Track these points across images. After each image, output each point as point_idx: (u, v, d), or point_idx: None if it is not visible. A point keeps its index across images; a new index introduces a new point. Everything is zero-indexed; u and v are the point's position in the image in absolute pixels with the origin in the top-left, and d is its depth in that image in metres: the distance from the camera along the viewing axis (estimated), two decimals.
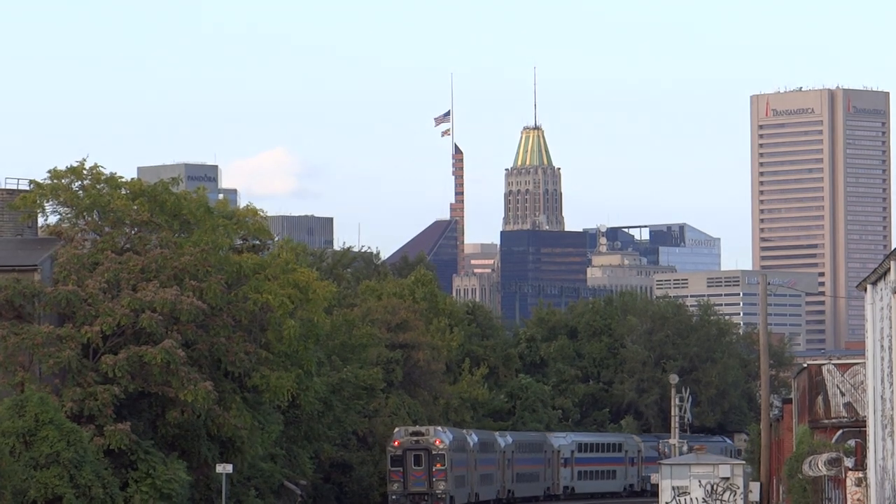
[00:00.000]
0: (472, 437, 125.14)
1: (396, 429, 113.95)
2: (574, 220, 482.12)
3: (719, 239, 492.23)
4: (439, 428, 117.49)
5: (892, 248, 48.89)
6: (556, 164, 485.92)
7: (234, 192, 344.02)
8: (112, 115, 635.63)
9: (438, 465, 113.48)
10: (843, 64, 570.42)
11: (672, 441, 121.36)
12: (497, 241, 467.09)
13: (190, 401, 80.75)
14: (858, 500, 61.03)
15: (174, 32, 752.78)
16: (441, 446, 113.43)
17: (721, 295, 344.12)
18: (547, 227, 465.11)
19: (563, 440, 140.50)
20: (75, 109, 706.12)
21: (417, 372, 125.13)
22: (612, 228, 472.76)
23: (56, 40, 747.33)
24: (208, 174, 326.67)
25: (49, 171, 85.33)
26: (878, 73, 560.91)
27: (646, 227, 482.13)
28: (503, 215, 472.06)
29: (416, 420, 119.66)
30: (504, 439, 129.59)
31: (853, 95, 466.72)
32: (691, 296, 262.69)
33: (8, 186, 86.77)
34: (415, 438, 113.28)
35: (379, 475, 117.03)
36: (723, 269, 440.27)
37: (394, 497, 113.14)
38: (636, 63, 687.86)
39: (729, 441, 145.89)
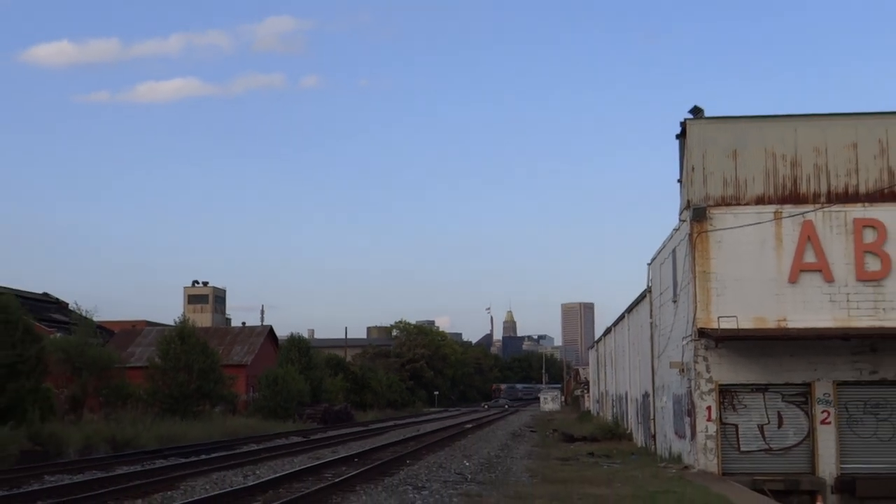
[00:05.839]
0: (519, 386, 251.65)
1: (493, 385, 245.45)
2: None
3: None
4: (503, 384, 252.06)
5: (596, 339, 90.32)
6: None
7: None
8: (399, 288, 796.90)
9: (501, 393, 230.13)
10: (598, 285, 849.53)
11: (542, 386, 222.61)
12: None
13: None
14: (586, 400, 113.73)
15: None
16: (503, 388, 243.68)
17: None
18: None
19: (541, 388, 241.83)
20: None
21: None
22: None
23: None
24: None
25: (394, 322, 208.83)
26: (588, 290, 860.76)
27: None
28: None
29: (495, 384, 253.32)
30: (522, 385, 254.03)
31: (590, 307, 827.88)
32: None
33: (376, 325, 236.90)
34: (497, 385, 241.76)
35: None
36: None
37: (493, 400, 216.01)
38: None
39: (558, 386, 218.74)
